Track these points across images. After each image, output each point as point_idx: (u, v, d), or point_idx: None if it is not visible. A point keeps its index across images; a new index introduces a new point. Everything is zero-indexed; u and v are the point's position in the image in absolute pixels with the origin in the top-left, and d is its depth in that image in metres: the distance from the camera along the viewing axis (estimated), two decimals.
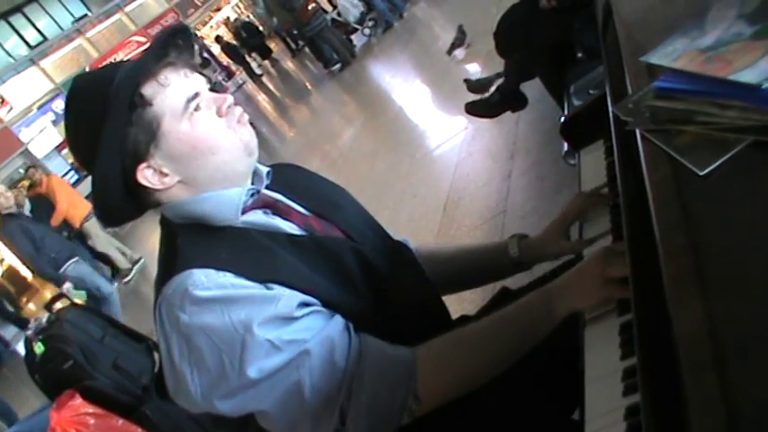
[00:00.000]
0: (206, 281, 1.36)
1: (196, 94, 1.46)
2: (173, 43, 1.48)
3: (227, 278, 1.37)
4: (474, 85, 5.77)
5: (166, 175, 1.47)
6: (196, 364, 1.36)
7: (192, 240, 1.46)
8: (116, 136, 1.42)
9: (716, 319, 0.84)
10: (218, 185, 1.49)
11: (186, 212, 1.50)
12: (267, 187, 1.61)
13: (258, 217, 1.54)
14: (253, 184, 1.57)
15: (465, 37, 7.87)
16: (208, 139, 1.46)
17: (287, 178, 1.69)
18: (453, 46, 8.04)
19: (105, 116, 1.41)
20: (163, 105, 1.43)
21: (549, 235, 1.83)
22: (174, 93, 1.44)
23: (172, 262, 1.43)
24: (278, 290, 1.39)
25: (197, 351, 1.35)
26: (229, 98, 1.51)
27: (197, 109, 1.46)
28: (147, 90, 1.43)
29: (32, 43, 18.86)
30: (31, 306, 13.95)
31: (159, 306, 1.41)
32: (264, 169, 1.61)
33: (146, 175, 1.46)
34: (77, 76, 1.56)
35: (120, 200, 1.48)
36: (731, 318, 0.83)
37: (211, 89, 1.52)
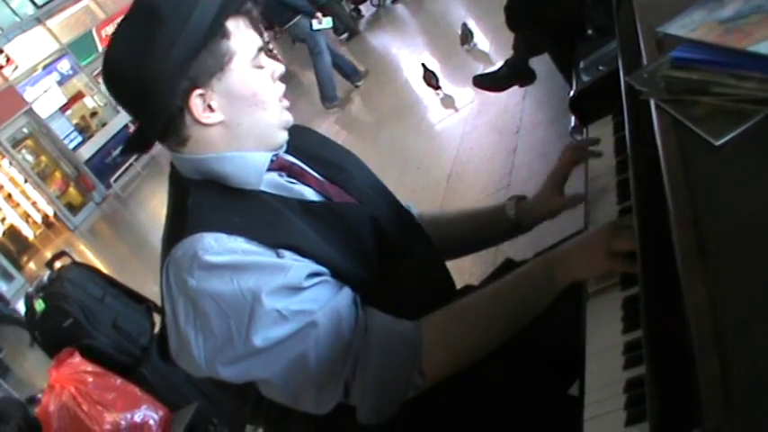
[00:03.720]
0: (216, 246, 1.35)
1: (261, 49, 1.49)
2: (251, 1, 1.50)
3: (238, 243, 1.36)
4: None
5: (213, 111, 1.44)
6: (201, 329, 1.36)
7: (203, 201, 1.45)
8: (191, 49, 1.41)
9: (724, 292, 0.83)
10: (251, 142, 1.49)
11: (206, 168, 1.48)
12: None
13: (274, 179, 1.53)
14: None
15: (471, 34, 7.65)
16: (265, 93, 1.48)
17: (299, 141, 1.67)
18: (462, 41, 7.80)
19: (184, 29, 1.40)
20: (239, 44, 1.45)
21: (543, 193, 1.83)
22: (251, 38, 1.47)
23: (181, 222, 1.42)
24: (288, 258, 1.38)
25: (203, 316, 1.35)
26: (281, 67, 1.53)
27: (261, 66, 1.48)
28: (230, 24, 1.44)
29: (39, 3, 18.71)
30: (32, 265, 14.00)
31: (167, 267, 1.40)
32: None
33: (195, 104, 1.43)
34: None
35: (161, 115, 1.45)
36: (738, 291, 0.83)
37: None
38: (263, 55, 1.49)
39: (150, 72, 1.40)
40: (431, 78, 6.84)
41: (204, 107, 1.43)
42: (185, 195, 1.47)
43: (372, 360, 1.39)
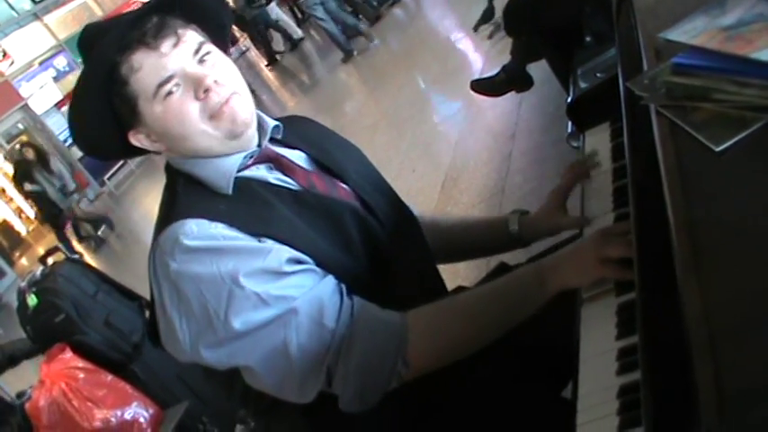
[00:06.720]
0: (197, 231, 1.37)
1: (170, 78, 1.42)
2: (146, 21, 1.44)
3: (219, 229, 1.38)
4: None
5: (156, 141, 1.50)
6: (185, 313, 1.37)
7: (191, 189, 1.48)
8: (95, 106, 1.46)
9: (721, 298, 0.83)
10: (206, 157, 1.49)
11: (186, 170, 1.51)
12: (276, 140, 1.61)
13: (261, 173, 1.53)
14: (260, 136, 1.56)
15: (493, 12, 7.55)
16: (178, 126, 1.45)
17: (299, 129, 1.69)
18: (480, 21, 7.63)
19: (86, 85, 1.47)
20: (136, 87, 1.43)
21: (546, 210, 1.81)
22: (146, 76, 1.42)
23: (170, 210, 1.45)
24: (269, 244, 1.39)
25: (185, 299, 1.37)
26: (207, 80, 1.43)
27: (171, 93, 1.43)
28: (124, 69, 1.42)
29: None
30: (24, 261, 13.99)
31: (153, 253, 1.43)
32: (272, 123, 1.60)
33: (138, 138, 1.49)
34: (87, 26, 1.54)
35: (116, 147, 1.55)
36: (735, 298, 0.83)
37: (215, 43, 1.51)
38: (175, 79, 1.43)
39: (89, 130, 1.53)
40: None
41: (148, 139, 1.49)
42: (176, 184, 1.50)
43: (356, 346, 1.39)
